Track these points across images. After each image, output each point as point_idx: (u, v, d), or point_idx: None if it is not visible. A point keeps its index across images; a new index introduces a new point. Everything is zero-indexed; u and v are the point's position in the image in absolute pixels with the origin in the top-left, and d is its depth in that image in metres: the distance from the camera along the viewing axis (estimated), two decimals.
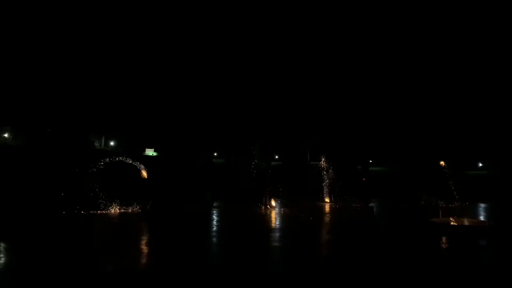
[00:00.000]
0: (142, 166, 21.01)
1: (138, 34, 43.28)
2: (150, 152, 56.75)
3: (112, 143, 58.65)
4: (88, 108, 49.33)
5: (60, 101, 47.21)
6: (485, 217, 16.66)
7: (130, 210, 19.15)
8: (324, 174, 25.63)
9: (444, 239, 12.64)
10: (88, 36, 45.67)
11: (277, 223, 17.74)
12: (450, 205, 20.36)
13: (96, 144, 55.16)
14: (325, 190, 25.36)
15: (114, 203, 19.29)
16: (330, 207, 23.20)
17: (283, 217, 19.71)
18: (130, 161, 20.98)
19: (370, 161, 36.79)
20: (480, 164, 52.66)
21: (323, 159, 25.80)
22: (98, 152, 50.86)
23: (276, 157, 56.06)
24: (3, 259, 10.35)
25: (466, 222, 12.90)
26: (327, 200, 25.14)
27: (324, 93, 46.86)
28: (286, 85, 47.30)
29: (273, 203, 22.46)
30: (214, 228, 16.35)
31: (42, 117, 47.18)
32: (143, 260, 10.77)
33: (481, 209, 22.99)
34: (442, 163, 29.55)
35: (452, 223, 12.62)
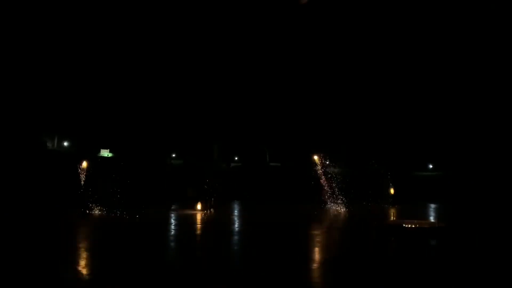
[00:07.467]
0: None
1: (91, 31, 42.05)
2: (105, 153, 55.08)
3: (65, 144, 56.48)
4: (40, 107, 47.41)
5: (9, 99, 45.08)
6: (436, 218, 17.41)
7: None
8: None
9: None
10: (38, 31, 43.79)
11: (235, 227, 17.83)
12: (394, 206, 21.03)
13: (49, 144, 52.97)
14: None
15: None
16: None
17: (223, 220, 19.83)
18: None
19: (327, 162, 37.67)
20: (430, 166, 54.31)
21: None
22: (51, 153, 49.00)
23: (236, 158, 55.89)
24: None
25: (417, 224, 13.45)
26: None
27: (277, 95, 47.17)
28: (243, 86, 47.31)
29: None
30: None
31: None
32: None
33: (431, 209, 24.04)
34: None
35: (404, 225, 13.13)
